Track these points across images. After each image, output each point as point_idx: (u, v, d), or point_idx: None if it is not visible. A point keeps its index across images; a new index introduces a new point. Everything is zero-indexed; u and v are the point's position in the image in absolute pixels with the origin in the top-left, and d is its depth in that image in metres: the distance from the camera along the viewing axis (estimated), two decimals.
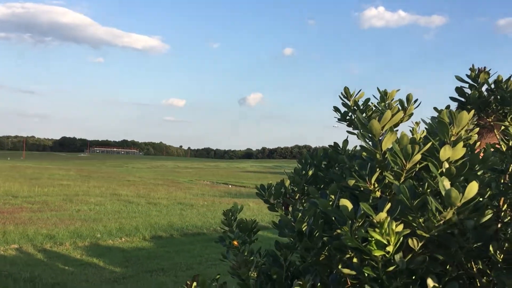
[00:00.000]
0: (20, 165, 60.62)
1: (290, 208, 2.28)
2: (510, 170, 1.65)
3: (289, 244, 1.68)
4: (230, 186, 37.57)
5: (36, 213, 18.53)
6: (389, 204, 1.28)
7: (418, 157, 1.36)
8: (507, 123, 1.88)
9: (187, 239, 15.30)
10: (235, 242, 2.35)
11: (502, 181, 1.75)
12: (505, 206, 1.72)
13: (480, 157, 1.52)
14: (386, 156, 1.41)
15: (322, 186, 2.17)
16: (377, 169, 1.41)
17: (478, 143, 1.88)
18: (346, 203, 1.30)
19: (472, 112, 1.43)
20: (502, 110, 1.88)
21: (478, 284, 1.47)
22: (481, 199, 1.39)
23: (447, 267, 1.47)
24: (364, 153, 1.50)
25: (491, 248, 1.49)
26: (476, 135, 1.96)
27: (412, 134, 2.08)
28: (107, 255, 12.55)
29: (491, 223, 1.42)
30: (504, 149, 1.67)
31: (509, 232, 1.37)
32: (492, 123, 1.93)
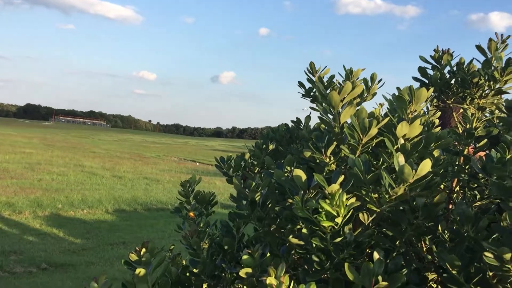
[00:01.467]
0: None
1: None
2: (465, 152, 1.67)
3: (242, 214, 1.67)
4: (197, 163, 37.42)
5: None
6: (343, 177, 1.28)
7: (374, 131, 1.35)
8: (465, 106, 1.90)
9: (150, 214, 15.21)
10: (191, 214, 2.33)
11: (457, 162, 1.78)
12: (458, 187, 1.76)
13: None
14: (343, 129, 1.40)
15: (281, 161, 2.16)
16: (334, 142, 1.40)
17: (439, 128, 1.90)
18: (300, 173, 1.28)
19: (431, 89, 1.43)
20: (462, 93, 1.90)
21: (424, 261, 1.49)
22: (434, 177, 1.40)
23: (397, 243, 1.49)
24: (322, 125, 1.48)
25: (439, 227, 1.51)
26: (438, 119, 1.98)
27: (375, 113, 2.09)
28: (68, 226, 12.36)
29: (441, 202, 1.44)
30: (460, 131, 1.69)
31: (457, 212, 1.39)
32: (451, 105, 1.95)
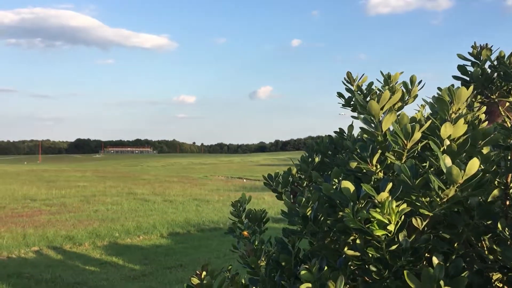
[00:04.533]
0: (37, 168, 61.43)
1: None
2: None
3: (296, 230, 1.69)
4: (244, 180, 37.64)
5: (55, 215, 18.78)
6: (391, 184, 1.28)
7: (418, 135, 1.35)
8: (511, 99, 1.85)
9: (204, 235, 15.39)
10: (245, 233, 2.37)
11: (509, 157, 1.74)
12: None
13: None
14: (387, 137, 1.41)
15: (328, 173, 2.17)
16: (378, 150, 1.41)
17: (486, 123, 1.86)
18: (348, 185, 1.30)
19: (472, 87, 1.41)
20: (506, 86, 1.86)
21: (486, 262, 1.46)
22: (485, 175, 1.38)
23: (455, 245, 1.47)
24: (365, 135, 1.49)
25: (499, 225, 1.48)
26: (483, 114, 1.94)
27: (421, 116, 2.07)
28: (126, 254, 12.70)
29: (496, 199, 1.41)
30: (509, 125, 1.65)
31: None
32: (496, 100, 1.91)
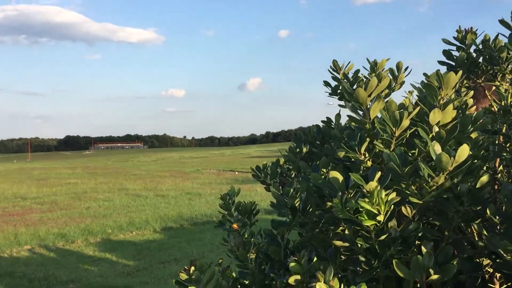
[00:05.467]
0: (26, 166, 60.91)
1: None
2: (503, 130, 1.62)
3: (284, 221, 1.67)
4: (236, 173, 37.64)
5: (46, 213, 18.65)
6: (379, 173, 1.26)
7: (406, 122, 1.33)
8: (497, 83, 1.84)
9: (197, 228, 15.38)
10: (235, 225, 2.34)
11: (496, 142, 1.73)
12: (501, 167, 1.70)
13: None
14: (375, 125, 1.38)
15: (317, 163, 2.15)
16: (367, 138, 1.39)
17: (474, 107, 1.85)
18: (336, 174, 1.27)
19: (460, 73, 1.39)
20: (492, 70, 1.84)
21: (476, 248, 1.45)
22: (475, 161, 1.36)
23: (445, 232, 1.45)
24: (353, 123, 1.47)
25: (488, 211, 1.47)
26: (471, 99, 1.92)
27: (410, 102, 2.05)
28: (119, 250, 12.65)
29: (486, 185, 1.40)
30: (495, 109, 1.64)
31: (503, 194, 1.34)
32: (482, 84, 1.89)
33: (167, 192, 24.81)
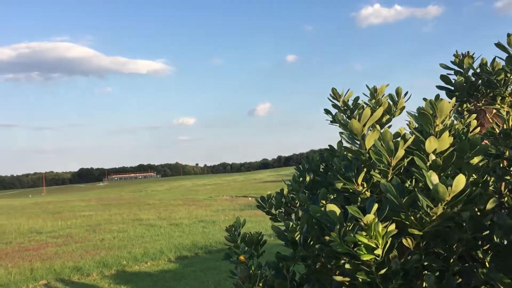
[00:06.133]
0: (41, 200, 61.35)
1: (293, 216, 2.25)
2: (506, 154, 1.60)
3: (286, 256, 1.65)
4: (249, 198, 37.48)
5: (61, 247, 18.66)
6: (376, 205, 1.24)
7: (402, 152, 1.32)
8: (497, 106, 1.82)
9: (212, 256, 15.25)
10: (242, 258, 2.32)
11: (501, 165, 1.70)
12: (506, 190, 1.67)
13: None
14: (371, 154, 1.37)
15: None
16: (364, 169, 1.38)
17: (478, 129, 1.83)
18: (333, 207, 1.26)
19: (454, 99, 1.38)
20: (492, 93, 1.83)
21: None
22: (474, 188, 1.34)
23: (451, 261, 1.42)
24: (349, 154, 1.46)
25: (494, 237, 1.44)
26: (475, 121, 1.91)
27: (410, 128, 2.04)
28: (134, 281, 12.56)
29: (488, 211, 1.37)
30: (496, 132, 1.62)
31: (498, 224, 1.31)
32: (482, 107, 1.88)
33: (181, 221, 24.76)
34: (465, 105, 1.88)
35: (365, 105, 2.20)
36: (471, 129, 1.77)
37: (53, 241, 20.68)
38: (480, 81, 1.88)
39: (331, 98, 2.20)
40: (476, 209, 1.41)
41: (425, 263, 1.35)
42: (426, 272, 1.24)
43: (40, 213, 36.62)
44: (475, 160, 1.47)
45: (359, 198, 1.40)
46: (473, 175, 1.45)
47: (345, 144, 1.46)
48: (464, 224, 1.34)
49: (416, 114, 1.52)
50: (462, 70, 1.92)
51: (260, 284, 2.00)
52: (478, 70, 1.88)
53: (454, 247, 1.35)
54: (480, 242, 1.39)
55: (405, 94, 2.11)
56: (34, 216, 33.64)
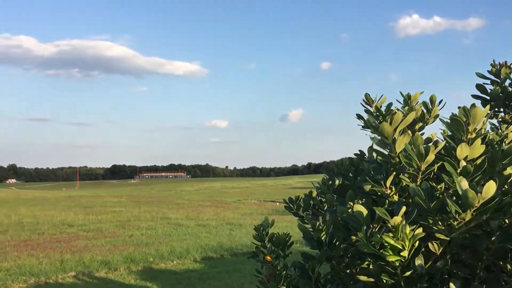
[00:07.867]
0: (75, 194, 62.92)
1: (321, 219, 2.26)
2: None
3: (312, 255, 1.67)
4: (277, 203, 37.42)
5: (91, 240, 19.10)
6: (404, 208, 1.26)
7: (432, 157, 1.32)
8: None
9: (237, 259, 15.31)
10: (268, 257, 2.35)
11: None
12: None
13: None
14: (400, 158, 1.38)
15: None
16: (393, 172, 1.39)
17: None
18: (360, 208, 1.28)
19: (488, 107, 1.38)
20: None
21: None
22: (504, 197, 1.33)
23: (477, 270, 1.41)
24: (379, 157, 1.47)
25: None
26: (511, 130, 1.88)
27: (443, 137, 2.03)
28: (160, 278, 12.74)
29: None
30: None
31: None
32: None
33: (208, 222, 24.95)
34: (500, 115, 1.86)
35: (397, 111, 2.21)
36: (507, 141, 1.75)
37: (83, 234, 21.19)
38: None
39: (364, 103, 2.21)
40: (506, 220, 1.40)
41: (451, 270, 1.35)
42: (451, 278, 1.24)
43: (72, 207, 37.57)
44: (508, 170, 1.46)
45: (386, 201, 1.41)
46: (505, 186, 1.44)
47: (375, 147, 1.48)
48: (492, 233, 1.33)
49: (449, 121, 1.52)
50: (498, 80, 1.91)
51: (285, 284, 2.02)
52: None
53: (481, 255, 1.35)
54: (508, 252, 1.38)
55: (440, 102, 2.10)
56: (67, 209, 34.53)
